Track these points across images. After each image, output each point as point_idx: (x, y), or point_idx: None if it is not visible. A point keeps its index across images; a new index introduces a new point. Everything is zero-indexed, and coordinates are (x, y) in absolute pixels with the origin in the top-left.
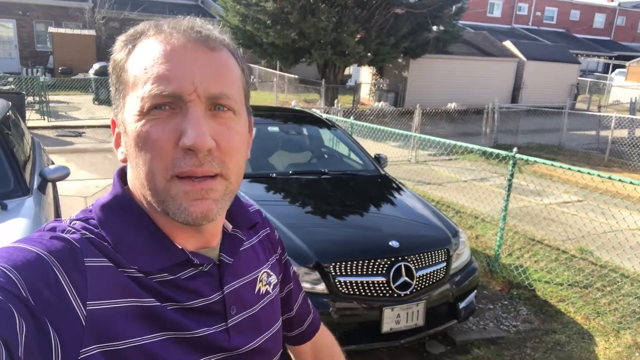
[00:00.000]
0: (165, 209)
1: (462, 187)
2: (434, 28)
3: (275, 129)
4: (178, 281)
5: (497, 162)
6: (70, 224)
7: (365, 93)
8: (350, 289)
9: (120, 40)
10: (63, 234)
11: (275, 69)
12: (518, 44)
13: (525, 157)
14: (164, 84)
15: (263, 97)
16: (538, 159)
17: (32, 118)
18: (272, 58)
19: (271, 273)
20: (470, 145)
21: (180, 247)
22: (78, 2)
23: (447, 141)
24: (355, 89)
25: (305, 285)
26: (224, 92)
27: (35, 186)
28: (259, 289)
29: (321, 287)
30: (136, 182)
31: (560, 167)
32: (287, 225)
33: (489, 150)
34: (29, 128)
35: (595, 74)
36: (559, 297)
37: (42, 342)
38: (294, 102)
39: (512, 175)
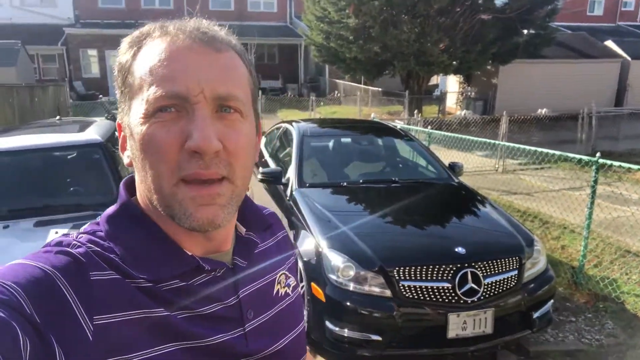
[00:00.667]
0: (171, 213)
1: (553, 196)
2: (524, 32)
3: (349, 140)
4: (191, 288)
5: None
6: (76, 237)
7: (451, 102)
8: (415, 294)
9: (126, 42)
10: (68, 249)
11: (360, 83)
12: (621, 42)
13: (609, 161)
14: (169, 86)
15: (347, 111)
16: (623, 163)
17: None
18: (356, 72)
19: (289, 275)
20: (551, 152)
21: (190, 253)
22: None
23: (527, 147)
24: (440, 99)
25: (369, 289)
26: (231, 93)
27: None
28: (278, 291)
29: (385, 291)
30: (142, 186)
31: None
32: (354, 231)
33: (570, 155)
34: None
35: None
36: None
37: None
38: (373, 114)
39: (595, 181)
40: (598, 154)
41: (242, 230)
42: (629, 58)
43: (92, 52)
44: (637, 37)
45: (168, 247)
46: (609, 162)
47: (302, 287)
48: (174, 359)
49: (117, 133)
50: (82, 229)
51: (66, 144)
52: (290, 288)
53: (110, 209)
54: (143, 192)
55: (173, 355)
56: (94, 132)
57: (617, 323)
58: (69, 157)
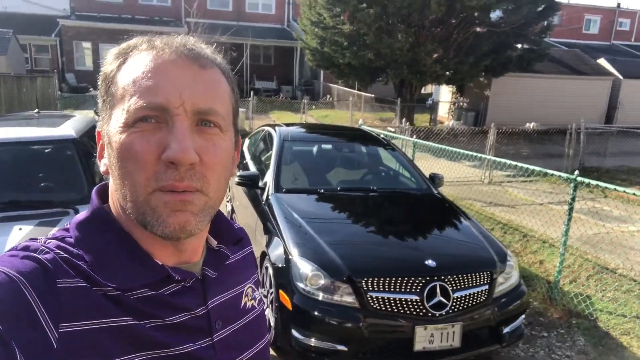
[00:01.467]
0: (143, 221)
1: (537, 210)
2: (518, 46)
3: (329, 146)
4: (160, 297)
5: (583, 187)
6: (44, 243)
7: (443, 112)
8: (382, 305)
9: (112, 53)
10: (35, 254)
11: (353, 89)
12: (614, 61)
13: (587, 180)
14: (151, 97)
15: (339, 115)
16: (600, 182)
17: None
18: (349, 78)
19: (255, 289)
20: (531, 167)
21: (160, 263)
22: (174, 28)
23: (507, 161)
24: (432, 108)
25: (337, 299)
26: (211, 107)
27: None
28: (245, 304)
29: (352, 301)
30: (117, 194)
31: (625, 191)
32: (324, 239)
33: (549, 172)
34: None
35: None
36: (623, 330)
37: None
38: (360, 120)
39: (573, 199)
40: (576, 172)
41: (214, 242)
42: (620, 76)
43: (87, 45)
44: (630, 57)
45: (138, 255)
46: (586, 180)
47: (271, 293)
48: None
49: (96, 130)
50: (50, 234)
51: (38, 139)
52: (256, 301)
53: (81, 215)
54: (117, 200)
55: None
56: (69, 127)
57: (588, 340)
58: (40, 152)
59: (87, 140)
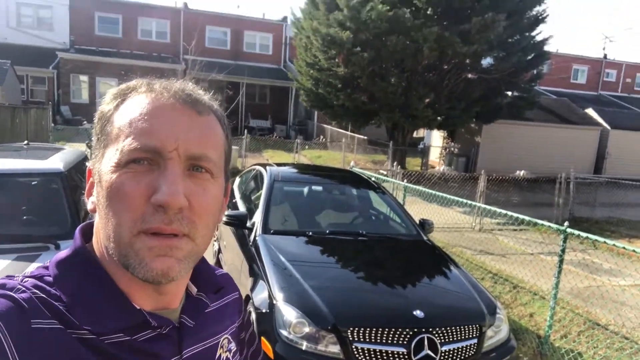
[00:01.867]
0: (126, 263)
1: (528, 260)
2: (509, 93)
3: (320, 188)
4: (135, 343)
5: (573, 237)
6: (21, 281)
7: (434, 156)
8: (367, 357)
9: (111, 93)
10: (11, 293)
11: (347, 130)
12: (601, 111)
13: (576, 232)
14: (145, 139)
15: (332, 156)
16: (590, 235)
17: None
18: (343, 119)
19: (232, 340)
20: (521, 216)
21: (138, 307)
22: (172, 65)
23: (497, 209)
24: (424, 152)
25: (320, 348)
26: (205, 153)
27: None
28: (220, 355)
29: (337, 352)
30: (102, 233)
31: (614, 245)
32: (310, 283)
33: (539, 222)
34: None
35: None
36: None
37: None
38: (352, 162)
39: (563, 251)
40: (566, 223)
41: (194, 290)
42: (608, 127)
43: (84, 78)
44: (617, 107)
45: (116, 298)
46: (576, 232)
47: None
48: None
49: (87, 162)
50: (28, 272)
51: (24, 171)
52: (231, 353)
53: (62, 254)
54: (101, 239)
55: None
56: (57, 160)
57: None
58: (26, 184)
59: (75, 174)
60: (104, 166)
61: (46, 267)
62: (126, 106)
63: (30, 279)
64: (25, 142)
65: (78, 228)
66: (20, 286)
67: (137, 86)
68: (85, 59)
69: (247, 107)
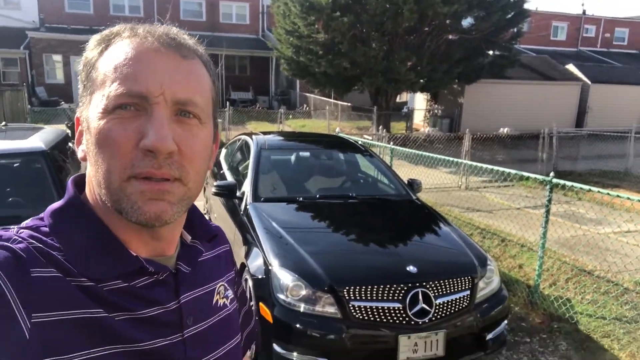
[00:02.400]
0: (119, 207)
1: (514, 214)
2: (490, 53)
3: (307, 154)
4: (133, 289)
5: (558, 189)
6: (17, 232)
7: (419, 119)
8: (365, 315)
9: (95, 39)
10: (8, 243)
11: (330, 98)
12: (582, 66)
13: (562, 181)
14: (131, 84)
15: (316, 125)
16: (575, 184)
17: None
18: (325, 87)
19: (228, 287)
20: (507, 170)
21: (134, 254)
22: None
23: (484, 165)
24: (408, 116)
25: (318, 309)
26: (191, 98)
27: None
28: (217, 301)
29: (334, 311)
30: (93, 180)
31: (599, 191)
32: (305, 248)
33: (526, 174)
34: None
35: None
36: (604, 332)
37: None
38: (338, 128)
39: (549, 201)
40: (552, 174)
41: (188, 237)
42: (589, 82)
43: (57, 58)
44: (597, 62)
45: (113, 246)
46: (562, 182)
47: (252, 305)
48: None
49: (70, 143)
50: (23, 224)
51: (5, 152)
52: (229, 300)
53: (56, 204)
54: (93, 186)
55: (111, 358)
56: (38, 139)
57: (570, 344)
58: (8, 165)
59: (58, 154)
60: (91, 113)
61: (41, 218)
62: (110, 52)
63: (25, 230)
64: (3, 123)
65: (70, 179)
66: (16, 237)
67: (120, 31)
68: (57, 37)
69: (228, 80)
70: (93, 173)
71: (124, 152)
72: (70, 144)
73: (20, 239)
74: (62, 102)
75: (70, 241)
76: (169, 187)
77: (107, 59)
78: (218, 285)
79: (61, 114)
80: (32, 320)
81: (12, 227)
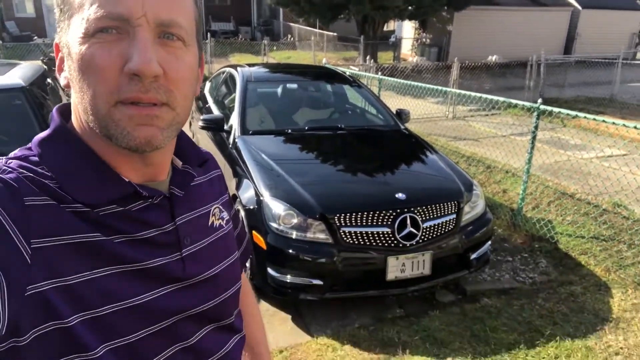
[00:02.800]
0: (108, 134)
1: (500, 142)
2: None
3: (295, 86)
4: (129, 213)
5: (544, 116)
6: (6, 163)
7: (406, 49)
8: (355, 239)
9: None
10: None
11: (315, 27)
12: None
13: (549, 108)
14: (111, 6)
15: (302, 56)
16: (563, 110)
17: None
18: (310, 16)
19: (223, 209)
20: (496, 98)
21: (127, 179)
22: None
23: (472, 94)
24: (396, 45)
25: (310, 236)
26: (174, 20)
27: None
28: (212, 223)
29: (325, 237)
30: (79, 107)
31: (585, 117)
32: (295, 178)
33: (514, 102)
34: None
35: None
36: (581, 250)
37: None
38: (324, 59)
39: (536, 127)
40: (540, 101)
41: (179, 163)
42: (579, 7)
43: None
44: None
45: (105, 172)
46: (549, 108)
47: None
48: (113, 281)
49: (49, 79)
50: (11, 154)
51: None
52: (224, 221)
53: (43, 133)
54: (79, 114)
55: (114, 277)
56: (16, 75)
57: (549, 262)
58: None
59: (37, 90)
60: (71, 38)
61: (29, 148)
62: None
63: (14, 160)
64: None
65: (55, 108)
66: (5, 167)
67: None
68: None
69: (208, 10)
70: (78, 100)
71: (109, 76)
72: (49, 80)
73: (10, 169)
74: (35, 37)
75: (62, 168)
76: (157, 111)
77: None
78: (213, 208)
79: (35, 49)
80: (32, 246)
81: (0, 158)
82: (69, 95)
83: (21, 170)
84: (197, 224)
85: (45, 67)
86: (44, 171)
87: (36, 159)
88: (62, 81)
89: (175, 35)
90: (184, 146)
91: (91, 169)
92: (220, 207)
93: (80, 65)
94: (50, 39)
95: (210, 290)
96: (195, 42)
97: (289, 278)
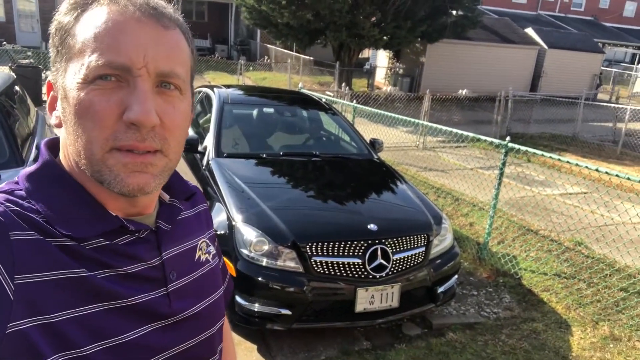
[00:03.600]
0: (100, 178)
1: (468, 174)
2: (453, 12)
3: (271, 110)
4: (115, 247)
5: (512, 153)
6: None
7: (380, 77)
8: (326, 269)
9: (68, 2)
10: None
11: (292, 50)
12: (540, 31)
13: (517, 146)
14: (113, 56)
15: (277, 78)
16: (529, 149)
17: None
18: (287, 39)
19: (210, 244)
20: (465, 133)
21: (114, 214)
22: None
23: (443, 127)
24: (370, 73)
25: (281, 264)
26: (173, 70)
27: (31, 158)
28: (199, 257)
29: (296, 266)
30: (70, 149)
31: (550, 157)
32: (268, 204)
33: (482, 137)
34: (45, 102)
35: (622, 64)
36: (544, 287)
37: None
38: (301, 84)
39: (503, 164)
40: (508, 138)
41: (166, 197)
42: (545, 46)
43: None
44: (555, 27)
45: (92, 206)
46: (517, 146)
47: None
48: (98, 319)
49: (16, 87)
50: None
51: None
52: (211, 255)
53: (30, 168)
54: (71, 155)
55: (97, 316)
56: None
57: (513, 297)
58: None
59: (5, 99)
60: (68, 81)
61: (16, 182)
62: (88, 18)
63: (1, 194)
64: None
65: (43, 142)
66: None
67: None
68: None
69: None
70: (71, 142)
71: (106, 124)
72: (17, 88)
73: None
74: (4, 42)
75: (49, 203)
76: (152, 159)
77: (85, 26)
78: (200, 242)
79: (3, 55)
80: (16, 282)
81: None
82: (49, 125)
83: (7, 204)
84: (184, 259)
85: (13, 74)
86: (31, 205)
87: (23, 193)
88: (53, 120)
89: (172, 84)
90: (172, 180)
91: (78, 203)
92: (207, 241)
93: (77, 110)
94: (20, 45)
95: (196, 327)
96: (190, 89)
97: (257, 307)
